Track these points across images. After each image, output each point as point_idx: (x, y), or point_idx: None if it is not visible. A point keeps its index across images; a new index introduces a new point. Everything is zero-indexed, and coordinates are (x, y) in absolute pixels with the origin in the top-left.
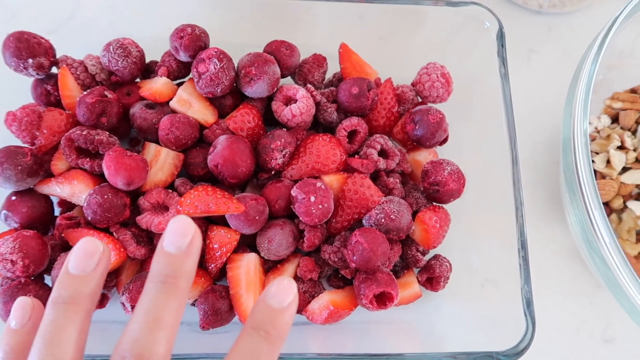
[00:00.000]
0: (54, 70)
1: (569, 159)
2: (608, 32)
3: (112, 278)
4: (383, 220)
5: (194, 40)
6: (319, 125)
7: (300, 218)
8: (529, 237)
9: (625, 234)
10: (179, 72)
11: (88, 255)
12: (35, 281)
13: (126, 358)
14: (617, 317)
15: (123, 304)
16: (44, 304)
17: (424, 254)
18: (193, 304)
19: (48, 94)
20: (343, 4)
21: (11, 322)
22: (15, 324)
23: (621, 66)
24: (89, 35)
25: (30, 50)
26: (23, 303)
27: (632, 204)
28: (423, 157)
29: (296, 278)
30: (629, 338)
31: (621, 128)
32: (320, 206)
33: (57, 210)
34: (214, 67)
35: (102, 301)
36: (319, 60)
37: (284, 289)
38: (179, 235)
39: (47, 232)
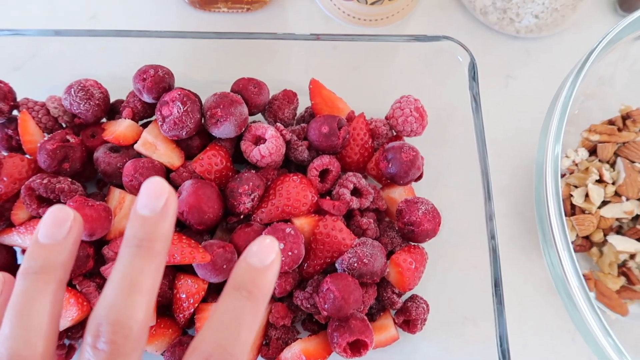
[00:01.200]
0: (15, 112)
1: (540, 193)
2: (586, 60)
3: (78, 329)
4: (356, 264)
5: (157, 82)
6: (291, 164)
7: None
8: (509, 270)
9: (606, 267)
10: (145, 112)
11: (58, 223)
12: None
13: (102, 325)
14: None
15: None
16: None
17: (399, 295)
18: (162, 354)
19: (9, 138)
20: (315, 44)
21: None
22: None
23: (600, 94)
24: (54, 71)
25: None
26: None
27: (612, 239)
28: (398, 193)
29: (268, 324)
30: None
31: (599, 161)
32: (290, 253)
33: (20, 258)
34: (178, 111)
35: (69, 352)
36: (289, 97)
37: (266, 247)
38: (152, 197)
39: None
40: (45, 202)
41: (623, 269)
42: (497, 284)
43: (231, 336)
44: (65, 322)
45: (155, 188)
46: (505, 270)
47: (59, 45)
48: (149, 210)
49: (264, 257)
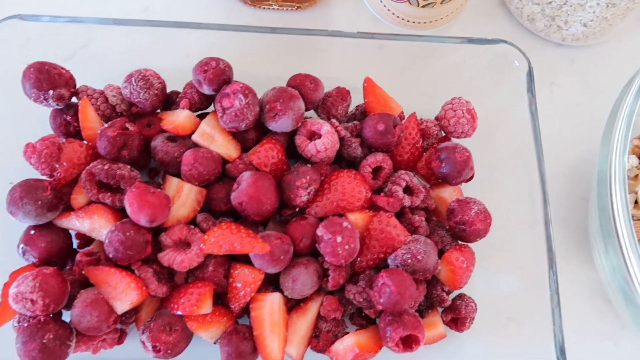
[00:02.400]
0: (74, 99)
1: (605, 201)
2: None
3: (132, 314)
4: (410, 260)
5: (218, 74)
6: (342, 160)
7: (326, 258)
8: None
9: None
10: (201, 104)
11: None
12: (54, 319)
13: None
14: None
15: (143, 342)
16: (62, 343)
17: (448, 293)
18: (215, 343)
19: (67, 124)
20: (365, 42)
21: None
22: None
23: None
24: (104, 63)
25: (51, 81)
26: None
27: None
28: (447, 194)
29: (319, 317)
30: None
31: None
32: (346, 247)
33: (74, 242)
34: (239, 103)
35: (121, 337)
36: (342, 94)
37: None
38: None
39: (65, 265)
40: (104, 187)
41: None
42: (555, 289)
43: None
44: (125, 306)
45: None
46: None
47: (110, 35)
48: None
49: None
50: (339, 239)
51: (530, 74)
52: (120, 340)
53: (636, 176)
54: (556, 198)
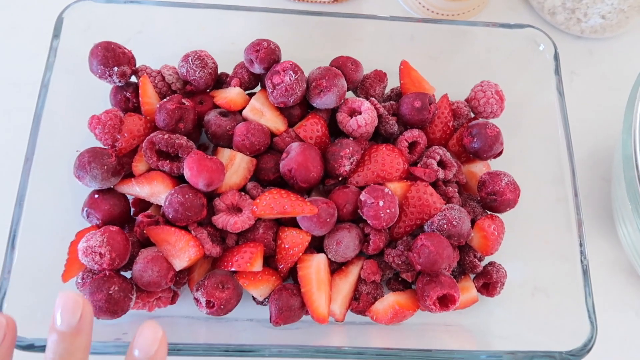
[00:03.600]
0: (133, 78)
1: (631, 170)
2: None
3: (184, 275)
4: (445, 226)
5: (269, 54)
6: (379, 136)
7: (369, 222)
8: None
9: None
10: (250, 83)
11: (72, 310)
12: (117, 274)
13: None
14: None
15: (197, 299)
16: (125, 295)
17: (480, 260)
18: (262, 303)
19: (127, 100)
20: (396, 24)
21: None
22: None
23: None
24: (158, 47)
25: (115, 59)
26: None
27: None
28: (477, 169)
29: (360, 280)
30: None
31: None
32: (388, 210)
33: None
34: (289, 79)
35: (173, 298)
36: (380, 76)
37: (148, 341)
38: (69, 312)
39: (124, 229)
40: (163, 156)
41: None
42: (584, 256)
43: None
44: (183, 262)
45: (70, 303)
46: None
47: (163, 20)
48: (66, 326)
49: (148, 350)
50: (381, 203)
51: (556, 56)
52: (173, 300)
53: None
54: (578, 180)
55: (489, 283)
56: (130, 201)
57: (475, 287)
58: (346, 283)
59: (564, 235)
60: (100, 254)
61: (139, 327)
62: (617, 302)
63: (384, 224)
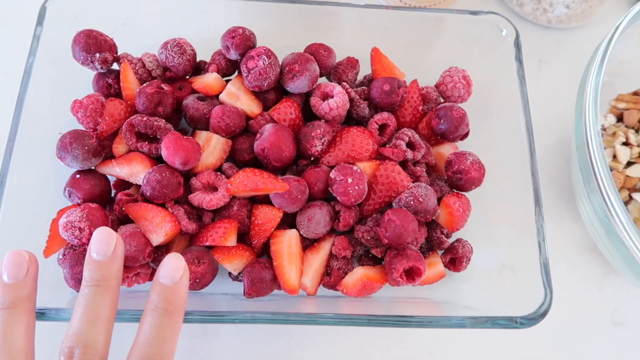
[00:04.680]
0: (115, 66)
1: (583, 151)
2: (609, 43)
3: (162, 252)
4: (412, 202)
5: (244, 40)
6: (352, 120)
7: (338, 198)
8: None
9: None
10: (227, 69)
11: (18, 265)
12: None
13: (75, 348)
14: (626, 302)
15: None
16: None
17: (447, 236)
18: (237, 277)
19: (109, 86)
20: (372, 12)
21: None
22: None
23: (623, 72)
24: (142, 38)
25: (97, 45)
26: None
27: (637, 196)
28: (445, 150)
29: (331, 256)
30: (637, 321)
31: (625, 126)
32: (356, 187)
33: (112, 192)
34: (263, 63)
35: (152, 274)
36: (352, 62)
37: (174, 267)
38: (103, 244)
39: (105, 209)
40: (142, 137)
41: None
42: (541, 224)
43: (155, 349)
44: (160, 237)
45: (105, 236)
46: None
47: (146, 15)
48: (102, 256)
49: (173, 276)
50: (349, 180)
51: (517, 42)
52: (151, 277)
53: (614, 133)
54: (545, 164)
55: (455, 258)
56: (112, 183)
57: (443, 262)
58: (318, 258)
59: (528, 214)
60: (80, 228)
61: (164, 258)
62: (582, 279)
63: (353, 200)
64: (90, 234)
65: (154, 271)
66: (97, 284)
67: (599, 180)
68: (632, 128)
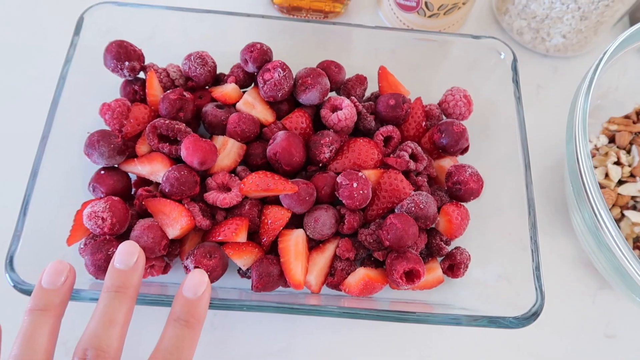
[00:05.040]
0: (141, 74)
1: (574, 168)
2: (595, 70)
3: (177, 247)
4: (413, 208)
5: (261, 54)
6: (359, 132)
7: (343, 201)
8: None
9: None
10: (245, 81)
11: (58, 273)
12: (117, 240)
13: (88, 350)
14: (618, 315)
15: (186, 267)
16: None
17: (447, 243)
18: (245, 273)
19: (135, 92)
20: (381, 33)
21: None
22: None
23: (615, 96)
24: (167, 51)
25: (127, 54)
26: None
27: (629, 213)
28: (446, 163)
29: (335, 257)
30: (629, 334)
31: (617, 147)
32: (361, 192)
33: (132, 190)
34: (278, 75)
35: (165, 268)
36: (360, 79)
37: (197, 281)
38: (127, 255)
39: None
40: (164, 139)
41: (638, 244)
42: (534, 232)
43: (174, 356)
44: (176, 231)
45: (129, 248)
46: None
47: (172, 27)
48: (124, 265)
49: (196, 290)
50: (355, 184)
51: (514, 65)
52: (165, 271)
53: (606, 153)
54: (542, 184)
55: (453, 264)
56: (133, 182)
57: (442, 268)
58: (322, 258)
59: (523, 225)
60: (102, 218)
61: (189, 273)
62: (576, 292)
63: (357, 203)
64: (112, 224)
65: (167, 265)
66: (117, 290)
67: (589, 194)
68: (623, 149)
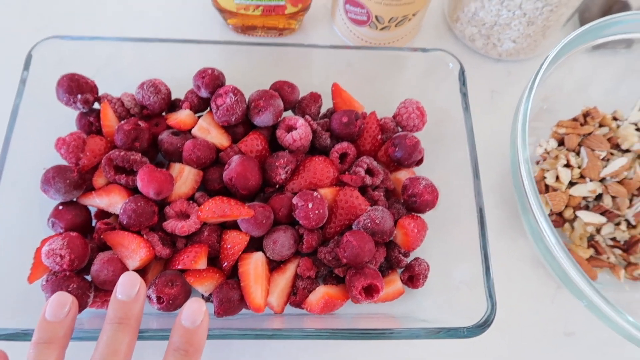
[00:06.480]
0: (96, 105)
1: (517, 175)
2: (536, 76)
3: (140, 275)
4: (369, 224)
5: (213, 79)
6: (315, 150)
7: (300, 222)
8: (499, 248)
9: (577, 240)
10: (199, 106)
11: (61, 305)
12: (77, 275)
13: None
14: (576, 313)
15: (149, 296)
16: (83, 293)
17: (405, 255)
18: (208, 298)
19: (90, 124)
20: (337, 52)
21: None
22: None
23: (563, 100)
24: (123, 78)
25: (79, 87)
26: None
27: (581, 214)
28: (403, 175)
29: (297, 276)
30: (587, 331)
31: (567, 150)
32: (316, 211)
33: (93, 222)
34: (230, 100)
35: None
36: (314, 97)
37: (195, 311)
38: (129, 286)
39: (85, 237)
40: (120, 171)
41: (592, 242)
42: (484, 241)
43: None
44: (135, 262)
45: (130, 279)
46: (495, 249)
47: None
48: (126, 297)
49: (194, 319)
50: (310, 205)
51: (461, 75)
52: None
53: (556, 156)
54: (500, 187)
55: (413, 275)
56: (93, 214)
57: (402, 280)
58: (283, 279)
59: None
60: (60, 255)
61: (187, 302)
62: (536, 292)
63: (314, 223)
64: (71, 260)
65: None
66: (120, 321)
67: (529, 199)
68: (573, 151)
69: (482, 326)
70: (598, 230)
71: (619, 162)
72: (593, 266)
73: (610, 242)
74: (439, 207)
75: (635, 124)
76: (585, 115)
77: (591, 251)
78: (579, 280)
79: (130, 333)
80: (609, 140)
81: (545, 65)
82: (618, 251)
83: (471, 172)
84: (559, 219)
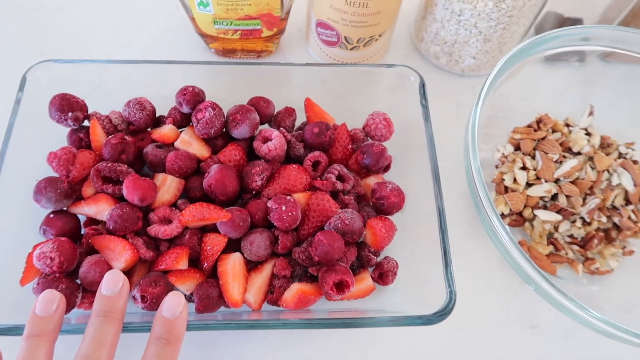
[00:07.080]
0: (86, 123)
1: (470, 180)
2: (482, 89)
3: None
4: (340, 225)
5: (194, 96)
6: (290, 160)
7: (275, 224)
8: (465, 247)
9: (537, 238)
10: (182, 121)
11: (50, 302)
12: (67, 277)
13: None
14: (539, 307)
15: (134, 296)
16: (72, 293)
17: (375, 254)
18: (190, 298)
19: (80, 140)
20: (310, 70)
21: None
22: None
23: (518, 107)
24: (112, 98)
25: (70, 106)
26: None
27: (538, 212)
28: (372, 181)
29: (273, 275)
30: (551, 323)
31: (522, 154)
32: (290, 214)
33: (82, 230)
34: (209, 114)
35: None
36: (289, 111)
37: (175, 303)
38: (113, 283)
39: (75, 243)
40: (107, 181)
41: (551, 240)
42: (444, 243)
43: None
44: (121, 264)
45: (115, 277)
46: (461, 247)
47: (116, 78)
48: (111, 292)
49: (174, 311)
50: (283, 207)
51: (421, 87)
52: None
53: (513, 160)
54: (466, 194)
55: (382, 273)
56: (82, 222)
57: (373, 277)
58: (260, 278)
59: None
60: (51, 257)
61: (167, 296)
62: (500, 288)
63: (287, 225)
64: (60, 262)
65: None
66: (105, 314)
67: (482, 203)
68: (528, 155)
69: (440, 314)
70: (556, 228)
71: (570, 163)
72: (553, 262)
73: (568, 239)
74: (406, 209)
75: (585, 129)
76: (539, 122)
77: (550, 248)
78: (525, 264)
79: (115, 325)
80: (561, 144)
81: (491, 78)
82: (576, 247)
83: (431, 176)
84: (519, 219)
